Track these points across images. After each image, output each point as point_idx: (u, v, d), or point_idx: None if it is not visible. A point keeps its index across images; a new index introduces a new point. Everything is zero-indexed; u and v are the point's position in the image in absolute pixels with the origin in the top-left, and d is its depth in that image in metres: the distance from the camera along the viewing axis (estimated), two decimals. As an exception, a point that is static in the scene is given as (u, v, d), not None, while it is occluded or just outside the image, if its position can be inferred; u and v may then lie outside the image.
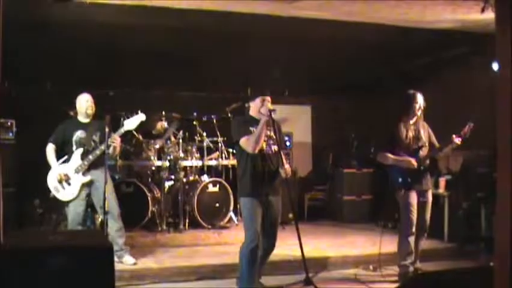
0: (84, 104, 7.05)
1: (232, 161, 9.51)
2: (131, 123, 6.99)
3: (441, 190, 8.49)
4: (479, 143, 6.61)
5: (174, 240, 8.38)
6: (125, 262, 6.94)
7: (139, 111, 7.13)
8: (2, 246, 3.25)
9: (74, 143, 6.96)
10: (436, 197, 8.16)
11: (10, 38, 3.41)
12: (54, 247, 3.44)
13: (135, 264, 6.96)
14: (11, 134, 8.48)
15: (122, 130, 6.96)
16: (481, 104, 6.92)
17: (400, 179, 6.66)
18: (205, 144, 9.50)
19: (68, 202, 6.90)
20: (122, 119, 7.60)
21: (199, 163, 9.40)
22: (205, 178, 9.24)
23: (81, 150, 6.93)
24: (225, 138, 9.50)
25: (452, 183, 8.57)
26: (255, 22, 7.85)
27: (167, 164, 9.05)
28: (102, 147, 6.81)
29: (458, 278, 4.25)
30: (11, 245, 3.35)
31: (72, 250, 3.40)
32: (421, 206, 6.68)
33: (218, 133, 9.60)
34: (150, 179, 9.22)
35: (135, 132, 8.67)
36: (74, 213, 6.88)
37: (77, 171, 6.87)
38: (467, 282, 4.04)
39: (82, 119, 7.10)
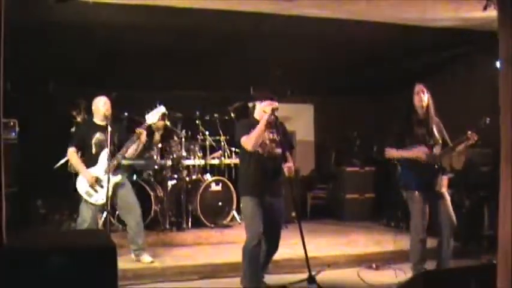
0: (102, 107, 7.01)
1: (235, 160, 9.51)
2: (153, 116, 7.00)
3: (444, 188, 8.45)
4: (482, 141, 6.54)
5: (176, 239, 8.38)
6: (142, 261, 7.00)
7: (157, 105, 7.15)
8: (4, 246, 3.25)
9: (93, 146, 6.92)
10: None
11: (12, 38, 3.41)
12: (57, 247, 3.44)
13: (152, 262, 7.01)
14: (14, 134, 8.46)
15: (146, 124, 6.99)
16: (484, 102, 6.88)
17: (413, 181, 6.36)
18: (207, 143, 9.51)
19: (100, 205, 6.86)
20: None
21: (202, 162, 9.41)
22: (208, 177, 9.25)
23: (106, 151, 6.91)
24: (228, 137, 9.50)
25: (454, 182, 8.55)
26: (257, 21, 7.85)
27: (170, 163, 9.05)
28: (126, 145, 6.89)
29: (460, 276, 4.26)
30: (14, 245, 3.35)
31: (75, 250, 3.40)
32: (442, 205, 6.39)
33: (221, 132, 9.61)
34: (152, 178, 9.22)
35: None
36: (87, 215, 6.87)
37: (106, 172, 6.84)
38: (470, 280, 4.04)
39: (99, 121, 7.04)
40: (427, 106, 6.42)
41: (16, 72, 5.97)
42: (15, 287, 3.14)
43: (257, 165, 5.88)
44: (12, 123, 8.42)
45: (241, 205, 6.08)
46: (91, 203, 6.82)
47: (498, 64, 3.89)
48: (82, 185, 6.87)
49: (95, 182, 6.80)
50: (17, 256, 3.21)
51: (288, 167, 5.85)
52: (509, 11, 2.99)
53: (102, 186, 6.78)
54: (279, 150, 5.97)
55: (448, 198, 6.50)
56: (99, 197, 6.80)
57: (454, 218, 6.37)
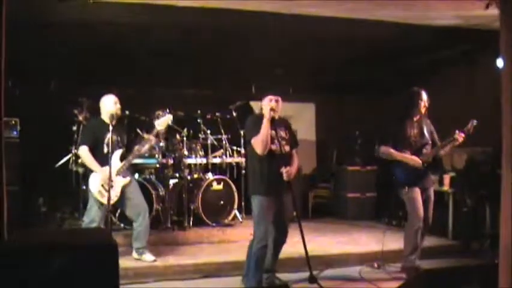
0: (113, 106, 6.97)
1: (236, 159, 9.52)
2: (162, 123, 7.01)
3: (445, 187, 8.48)
4: (483, 140, 6.58)
5: (178, 238, 8.38)
6: (144, 259, 7.00)
7: (166, 112, 7.21)
8: (6, 244, 3.25)
9: (105, 145, 6.84)
10: (440, 194, 8.15)
11: (14, 37, 3.41)
12: (58, 245, 3.44)
13: (154, 261, 7.01)
14: (15, 133, 8.44)
15: (155, 131, 7.00)
16: (485, 101, 6.90)
17: (403, 176, 6.65)
18: (209, 141, 9.50)
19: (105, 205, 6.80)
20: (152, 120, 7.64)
21: (203, 161, 9.40)
22: (209, 176, 9.23)
23: (120, 151, 6.93)
24: (229, 136, 9.50)
25: (456, 181, 8.55)
26: (259, 20, 7.84)
27: (172, 161, 9.05)
28: (137, 148, 6.96)
29: (463, 275, 4.25)
30: (15, 243, 3.36)
31: (77, 248, 3.41)
32: (424, 203, 6.66)
33: (222, 131, 9.59)
34: (154, 177, 9.22)
35: (139, 131, 8.68)
36: (97, 215, 6.87)
37: (118, 173, 6.87)
38: (472, 279, 4.04)
39: (107, 120, 6.93)
40: (425, 108, 6.74)
41: (18, 71, 5.97)
42: (17, 285, 3.14)
43: (269, 164, 5.84)
44: (13, 122, 8.41)
45: (252, 204, 6.01)
46: (102, 203, 6.80)
47: (500, 63, 3.89)
48: (95, 185, 6.84)
49: (106, 182, 6.69)
50: (18, 254, 3.21)
51: (286, 171, 5.79)
52: (511, 10, 2.99)
53: (112, 187, 6.72)
54: (288, 148, 5.98)
55: (432, 198, 6.82)
56: (110, 197, 6.74)
57: (430, 220, 6.78)
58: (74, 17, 7.38)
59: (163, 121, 7.03)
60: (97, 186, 6.82)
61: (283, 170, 5.77)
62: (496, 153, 7.64)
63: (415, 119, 6.71)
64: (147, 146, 7.04)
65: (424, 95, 6.68)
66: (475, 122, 6.35)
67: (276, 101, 5.89)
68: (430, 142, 6.75)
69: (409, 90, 6.82)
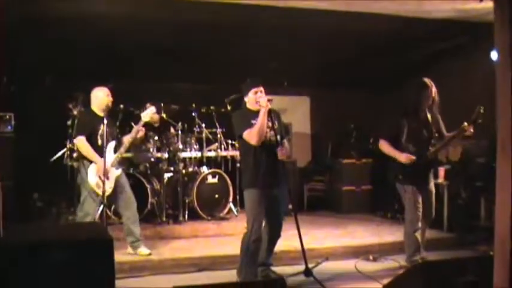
0: (107, 97, 6.96)
1: (231, 152, 9.51)
2: (147, 115, 7.00)
3: (441, 180, 8.47)
4: (478, 133, 6.55)
5: (173, 231, 8.39)
6: (139, 253, 7.02)
7: (147, 104, 7.19)
8: (1, 240, 3.25)
9: (99, 137, 6.83)
10: (435, 186, 8.14)
11: (9, 33, 3.41)
12: (54, 241, 3.44)
13: (150, 255, 7.02)
14: (10, 127, 8.44)
15: (142, 123, 6.99)
16: (480, 94, 6.88)
17: (403, 174, 6.46)
18: (204, 135, 9.49)
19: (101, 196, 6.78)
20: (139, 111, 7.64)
21: (198, 154, 9.39)
22: (204, 169, 9.23)
23: (114, 143, 6.94)
24: (224, 130, 9.48)
25: (451, 173, 8.56)
26: (254, 13, 7.84)
27: (166, 155, 9.04)
28: (126, 139, 7.01)
29: (458, 267, 4.26)
30: (11, 238, 3.35)
31: (73, 243, 3.41)
32: (427, 199, 6.57)
33: (217, 124, 9.58)
34: (149, 171, 9.21)
35: (133, 124, 8.66)
36: (91, 208, 6.85)
37: (112, 165, 6.86)
38: (467, 271, 4.05)
39: (99, 112, 6.95)
40: (433, 100, 6.52)
41: (13, 65, 5.96)
42: (13, 280, 3.14)
43: (260, 157, 5.85)
44: (8, 117, 8.41)
45: (245, 198, 6.00)
46: (98, 194, 6.75)
47: (493, 55, 3.89)
48: (93, 176, 6.81)
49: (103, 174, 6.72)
50: (14, 249, 3.21)
51: (280, 149, 5.80)
52: (505, 2, 2.99)
53: (108, 178, 6.75)
54: (278, 137, 5.96)
55: (433, 191, 6.72)
56: (106, 189, 6.72)
57: (433, 212, 6.72)
58: (69, 11, 7.36)
59: (147, 113, 7.02)
60: (95, 178, 6.80)
61: (277, 150, 5.79)
62: (491, 145, 7.66)
63: (420, 111, 6.51)
64: (133, 137, 7.02)
65: (431, 86, 6.45)
66: (482, 108, 6.07)
67: (261, 91, 5.93)
68: (436, 135, 6.55)
69: (415, 81, 6.65)
